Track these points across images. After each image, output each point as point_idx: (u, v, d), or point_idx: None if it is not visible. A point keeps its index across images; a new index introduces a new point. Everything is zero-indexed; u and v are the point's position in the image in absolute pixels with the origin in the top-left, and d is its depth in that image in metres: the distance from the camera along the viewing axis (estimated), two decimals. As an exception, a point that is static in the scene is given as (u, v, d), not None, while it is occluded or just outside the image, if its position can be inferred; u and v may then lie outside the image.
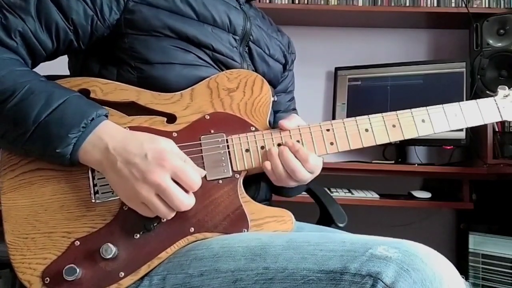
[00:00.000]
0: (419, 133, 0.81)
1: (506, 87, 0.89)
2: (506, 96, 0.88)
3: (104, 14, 0.77)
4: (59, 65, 0.90)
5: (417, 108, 0.82)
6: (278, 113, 1.04)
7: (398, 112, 0.81)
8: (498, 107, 0.87)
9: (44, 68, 0.80)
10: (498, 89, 0.89)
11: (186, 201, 0.67)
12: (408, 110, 0.82)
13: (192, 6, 0.82)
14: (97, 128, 0.68)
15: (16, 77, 0.68)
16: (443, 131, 0.83)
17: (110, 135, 0.68)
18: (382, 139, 0.80)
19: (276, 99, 1.01)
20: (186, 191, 0.68)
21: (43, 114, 0.66)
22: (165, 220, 0.70)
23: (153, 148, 0.67)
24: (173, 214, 0.68)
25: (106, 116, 0.71)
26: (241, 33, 0.89)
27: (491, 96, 0.89)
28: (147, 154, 0.66)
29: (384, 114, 0.81)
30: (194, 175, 0.68)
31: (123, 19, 0.79)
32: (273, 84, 1.00)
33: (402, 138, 0.81)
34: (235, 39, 0.88)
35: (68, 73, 0.89)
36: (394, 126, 0.80)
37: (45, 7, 0.73)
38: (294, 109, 1.11)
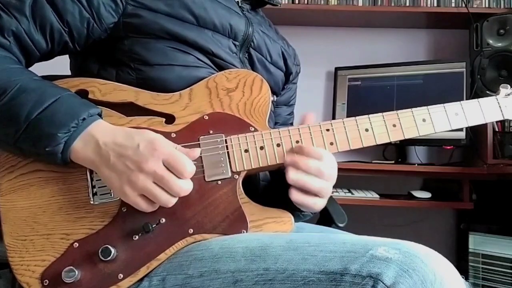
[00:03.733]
0: (420, 132, 0.80)
1: (508, 86, 0.88)
2: (508, 95, 0.88)
3: (101, 17, 0.77)
4: (60, 65, 0.90)
5: (418, 108, 0.81)
6: (276, 125, 1.03)
7: (398, 111, 0.80)
8: (500, 106, 0.86)
9: (46, 68, 0.80)
10: (500, 88, 0.88)
11: (185, 186, 0.67)
12: (409, 109, 0.81)
13: (191, 11, 0.82)
14: (88, 127, 0.68)
15: (8, 75, 0.68)
16: (444, 131, 0.82)
17: (101, 132, 0.68)
18: (383, 139, 0.79)
19: (275, 99, 1.00)
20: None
21: (34, 112, 0.66)
22: (164, 221, 0.70)
23: (144, 138, 0.67)
24: (174, 201, 0.67)
25: (99, 115, 0.71)
26: (242, 39, 0.88)
27: (491, 96, 0.88)
28: (139, 144, 0.66)
29: (384, 113, 0.80)
30: (185, 161, 0.67)
31: (122, 22, 0.78)
32: (273, 91, 0.99)
33: (402, 138, 0.80)
34: (235, 45, 0.87)
35: (69, 73, 0.89)
36: (394, 125, 0.80)
37: (40, 7, 0.73)
38: (292, 124, 1.10)
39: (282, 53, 1.00)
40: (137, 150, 0.66)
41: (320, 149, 0.76)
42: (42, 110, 0.66)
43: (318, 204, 0.76)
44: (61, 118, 0.66)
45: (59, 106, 0.67)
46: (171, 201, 0.67)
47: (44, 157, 0.68)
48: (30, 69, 0.76)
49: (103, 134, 0.68)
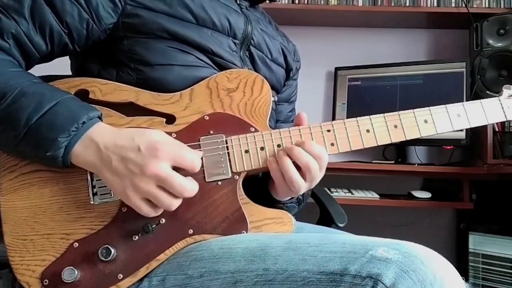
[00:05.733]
0: (421, 134, 0.80)
1: (511, 87, 0.88)
2: (511, 95, 0.87)
3: (100, 18, 0.76)
4: (61, 65, 0.90)
5: (420, 109, 0.81)
6: (277, 123, 1.03)
7: (400, 112, 0.80)
8: (502, 107, 0.86)
9: (45, 68, 0.80)
10: (503, 89, 0.88)
11: (189, 186, 0.66)
12: (411, 110, 0.80)
13: (190, 10, 0.81)
14: (88, 131, 0.67)
15: (8, 78, 0.68)
16: (446, 132, 0.82)
17: (101, 135, 0.67)
18: (384, 140, 0.79)
19: (276, 98, 1.00)
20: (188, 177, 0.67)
21: (34, 117, 0.65)
22: (164, 221, 0.70)
23: (145, 140, 0.66)
24: (177, 203, 0.67)
25: (100, 117, 0.71)
26: (241, 37, 0.88)
27: (492, 95, 0.88)
28: (139, 146, 0.65)
29: (386, 114, 0.79)
30: (192, 156, 0.67)
31: (121, 22, 0.78)
32: (276, 89, 0.99)
33: (404, 139, 0.80)
34: (235, 43, 0.87)
35: (69, 73, 0.89)
36: (396, 126, 0.80)
37: (39, 9, 0.72)
38: (293, 121, 1.10)
39: (282, 49, 1.00)
40: (139, 152, 0.65)
41: (321, 148, 0.75)
42: (41, 115, 0.66)
43: (282, 188, 0.76)
44: (61, 122, 0.66)
45: (58, 110, 0.67)
46: (174, 204, 0.67)
47: (45, 161, 0.68)
48: (30, 71, 0.76)
49: (103, 136, 0.67)
